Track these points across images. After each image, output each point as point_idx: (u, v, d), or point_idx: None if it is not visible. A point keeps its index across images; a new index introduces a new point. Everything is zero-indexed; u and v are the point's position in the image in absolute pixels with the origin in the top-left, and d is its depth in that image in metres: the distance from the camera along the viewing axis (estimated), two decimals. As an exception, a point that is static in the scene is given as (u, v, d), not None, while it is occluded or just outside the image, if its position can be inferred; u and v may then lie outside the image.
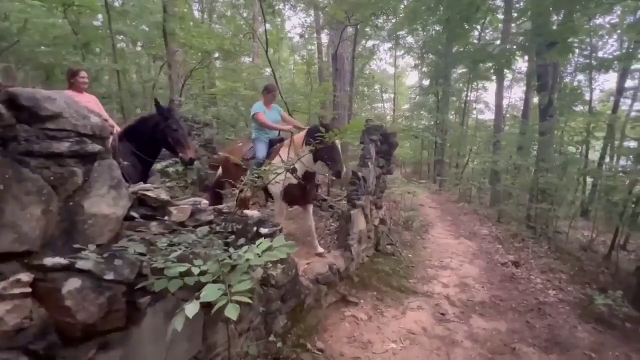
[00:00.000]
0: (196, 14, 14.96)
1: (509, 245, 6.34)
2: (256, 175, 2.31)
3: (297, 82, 15.86)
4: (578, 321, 3.59)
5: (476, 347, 3.06)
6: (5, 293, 1.10)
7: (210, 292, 1.14)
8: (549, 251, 6.20)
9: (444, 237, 6.79)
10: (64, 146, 1.25)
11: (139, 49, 11.96)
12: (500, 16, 12.23)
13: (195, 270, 1.23)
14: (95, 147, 1.35)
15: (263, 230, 2.28)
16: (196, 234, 1.56)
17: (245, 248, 1.36)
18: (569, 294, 4.27)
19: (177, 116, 3.15)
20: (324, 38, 16.35)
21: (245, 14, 13.55)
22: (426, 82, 20.58)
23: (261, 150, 3.85)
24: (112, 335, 1.41)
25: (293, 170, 3.42)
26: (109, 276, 1.34)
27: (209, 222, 1.90)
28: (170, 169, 5.65)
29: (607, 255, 6.96)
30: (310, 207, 3.96)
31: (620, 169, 9.63)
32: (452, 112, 19.09)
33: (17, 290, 1.13)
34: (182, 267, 1.25)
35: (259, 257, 1.25)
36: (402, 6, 7.19)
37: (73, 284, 1.24)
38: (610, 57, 11.34)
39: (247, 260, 1.26)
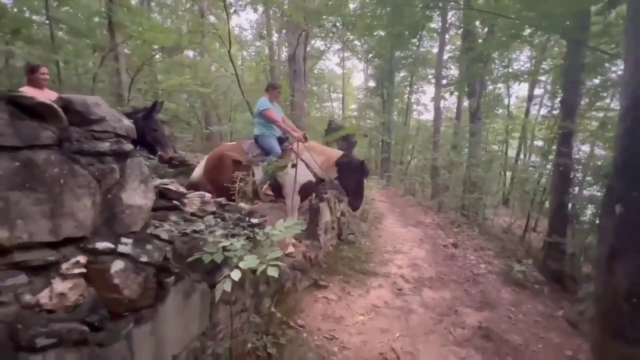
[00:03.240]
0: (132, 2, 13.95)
1: (449, 230, 7.33)
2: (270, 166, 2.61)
3: (246, 80, 15.77)
4: (502, 286, 4.48)
5: (428, 312, 3.68)
6: (68, 273, 1.27)
7: (250, 261, 1.43)
8: (480, 234, 7.32)
9: (394, 227, 7.57)
10: (106, 146, 1.43)
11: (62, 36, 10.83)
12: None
13: (237, 245, 1.51)
14: (129, 146, 1.53)
15: (254, 220, 2.56)
16: (217, 221, 1.81)
17: (269, 227, 1.66)
18: (495, 266, 5.22)
19: (157, 116, 3.22)
20: (275, 36, 16.51)
21: (188, 5, 13.03)
22: (372, 84, 21.86)
23: (276, 146, 3.87)
24: (144, 312, 1.61)
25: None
26: (144, 259, 1.54)
27: (213, 213, 2.13)
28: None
29: (522, 236, 8.42)
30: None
31: (530, 164, 11.54)
32: (396, 113, 20.62)
33: (76, 270, 1.30)
34: (227, 242, 1.51)
35: (281, 232, 1.56)
36: (352, 14, 7.76)
37: (118, 265, 1.43)
38: (523, 70, 13.37)
39: (273, 235, 1.57)
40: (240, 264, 1.43)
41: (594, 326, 3.01)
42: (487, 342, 3.11)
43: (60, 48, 6.96)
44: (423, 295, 4.10)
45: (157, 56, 11.01)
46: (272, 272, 1.39)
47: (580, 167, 6.84)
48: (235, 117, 9.46)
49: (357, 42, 18.03)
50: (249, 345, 2.37)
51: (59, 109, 1.24)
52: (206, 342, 2.06)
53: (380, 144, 17.76)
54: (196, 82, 8.92)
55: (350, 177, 3.81)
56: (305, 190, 3.87)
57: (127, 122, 1.54)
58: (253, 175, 3.88)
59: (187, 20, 10.72)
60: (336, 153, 3.96)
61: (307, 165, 3.80)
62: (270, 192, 3.91)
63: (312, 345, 2.87)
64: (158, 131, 3.17)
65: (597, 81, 7.73)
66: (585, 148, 10.03)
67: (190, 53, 14.39)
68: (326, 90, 24.60)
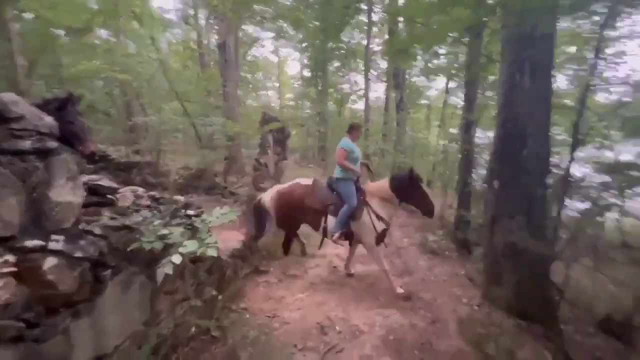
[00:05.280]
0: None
1: (379, 212, 8.08)
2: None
3: (172, 66, 14.67)
4: (420, 255, 5.22)
5: (359, 283, 4.17)
6: (-4, 272, 1.27)
7: (190, 245, 1.57)
8: (406, 214, 8.22)
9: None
10: (27, 144, 1.41)
11: None
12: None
13: (177, 233, 1.62)
14: (52, 144, 1.53)
15: (190, 212, 2.63)
16: (154, 213, 1.88)
17: (204, 215, 1.79)
18: (416, 240, 6.02)
19: (74, 108, 2.98)
20: (201, 20, 15.58)
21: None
22: (307, 73, 22.11)
23: (354, 196, 3.80)
24: (81, 306, 1.64)
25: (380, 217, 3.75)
26: (78, 254, 1.58)
27: (148, 206, 2.17)
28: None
29: (441, 212, 9.67)
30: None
31: (447, 149, 13.12)
32: (331, 102, 21.29)
33: (5, 270, 1.30)
34: (166, 231, 1.61)
35: (218, 218, 1.71)
36: (282, 5, 7.84)
37: (51, 262, 1.45)
38: (440, 65, 14.92)
39: (209, 222, 1.71)
40: (180, 249, 1.56)
41: (483, 277, 3.80)
42: (406, 302, 3.69)
43: None
44: (355, 270, 4.58)
45: (60, 36, 9.62)
46: (212, 252, 1.56)
47: (481, 151, 8.11)
48: (162, 107, 8.84)
49: (290, 31, 18.05)
50: (193, 329, 2.49)
51: (-27, 108, 1.21)
52: (148, 331, 2.13)
53: (317, 133, 18.26)
54: (114, 67, 8.09)
55: (408, 192, 3.69)
56: (381, 238, 3.88)
57: (50, 120, 1.53)
58: (325, 222, 3.93)
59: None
60: (384, 183, 3.86)
61: (377, 215, 3.77)
62: (342, 242, 3.95)
63: (254, 324, 3.08)
64: (75, 124, 2.95)
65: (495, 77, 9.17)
66: (491, 134, 11.83)
67: (102, 33, 12.80)
68: (261, 79, 24.14)
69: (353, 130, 4.08)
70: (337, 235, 3.85)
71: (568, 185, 4.00)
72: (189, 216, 2.55)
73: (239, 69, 10.27)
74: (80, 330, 1.63)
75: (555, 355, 2.99)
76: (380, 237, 3.85)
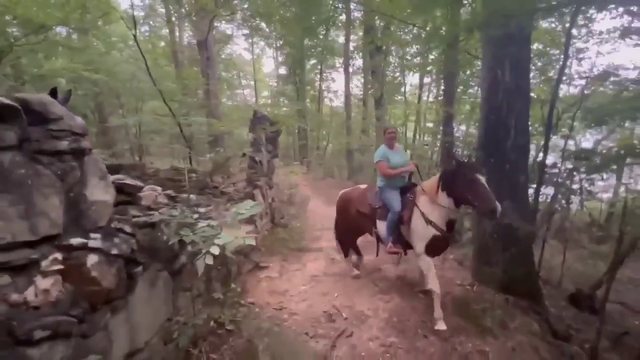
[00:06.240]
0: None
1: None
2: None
3: (143, 64, 14.12)
4: (411, 243, 5.48)
5: (361, 273, 4.34)
6: (48, 270, 1.30)
7: (225, 237, 1.64)
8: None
9: (320, 207, 8.22)
10: (64, 144, 1.43)
11: None
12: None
13: (214, 224, 1.69)
14: (86, 143, 1.55)
15: (201, 210, 2.68)
16: (182, 210, 1.93)
17: (234, 208, 1.87)
18: (404, 229, 6.29)
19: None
20: (173, 17, 15.12)
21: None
22: (283, 71, 22.00)
23: (396, 201, 3.41)
24: (117, 302, 1.67)
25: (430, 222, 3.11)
26: (114, 251, 1.61)
27: (166, 204, 2.21)
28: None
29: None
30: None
31: (424, 142, 13.65)
32: (308, 100, 21.37)
33: (55, 267, 1.33)
34: (204, 224, 1.67)
35: (247, 211, 1.80)
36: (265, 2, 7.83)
37: (93, 259, 1.48)
38: (414, 62, 15.42)
39: (241, 214, 1.79)
40: (216, 241, 1.63)
41: (473, 259, 4.09)
42: (404, 287, 3.91)
43: None
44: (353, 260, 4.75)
45: (15, 33, 8.92)
46: (250, 241, 1.64)
47: (460, 143, 8.56)
48: (141, 108, 8.55)
49: (266, 29, 17.89)
50: (211, 323, 2.55)
51: (21, 110, 1.23)
52: (172, 327, 2.17)
53: (297, 131, 18.30)
54: (88, 67, 7.75)
55: (460, 188, 2.93)
56: (434, 246, 3.22)
57: (80, 120, 1.55)
58: (376, 227, 3.66)
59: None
60: (434, 182, 3.24)
61: (426, 219, 3.15)
62: (396, 250, 3.50)
63: (264, 317, 3.17)
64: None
65: (468, 72, 9.68)
66: (463, 127, 12.53)
67: (62, 30, 12.05)
68: (236, 77, 23.73)
69: (385, 134, 3.73)
70: (389, 244, 3.50)
71: (543, 172, 4.37)
72: (200, 213, 2.60)
73: (216, 66, 10.12)
74: (117, 326, 1.67)
75: (541, 325, 3.32)
76: (434, 246, 3.21)
